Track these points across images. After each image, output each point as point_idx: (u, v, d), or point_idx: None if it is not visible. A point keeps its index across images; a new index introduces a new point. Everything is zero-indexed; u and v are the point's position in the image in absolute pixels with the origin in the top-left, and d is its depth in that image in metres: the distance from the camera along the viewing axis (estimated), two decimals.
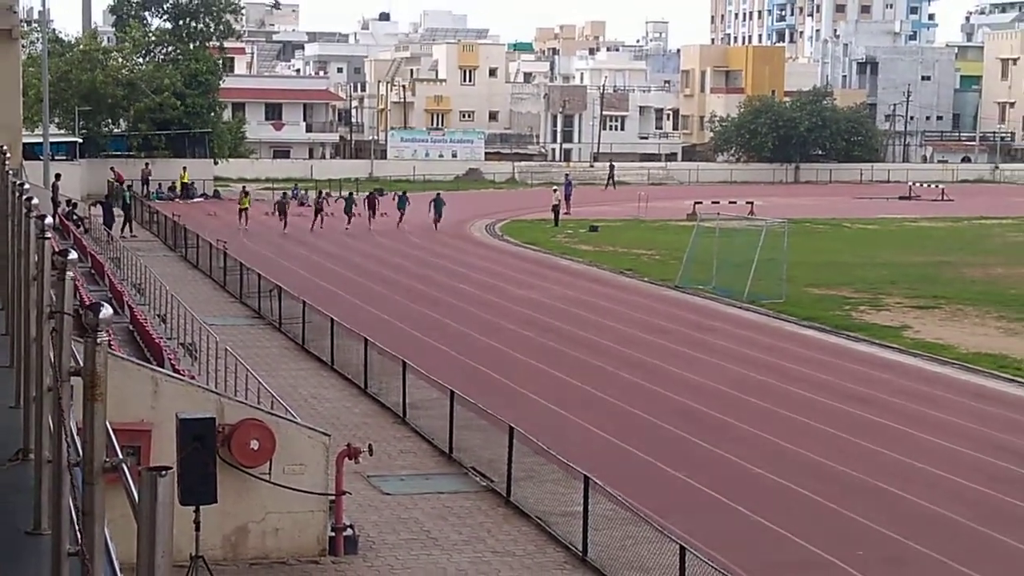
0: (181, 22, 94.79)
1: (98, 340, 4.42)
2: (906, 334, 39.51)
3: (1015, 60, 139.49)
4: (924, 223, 77.44)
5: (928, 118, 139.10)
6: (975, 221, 78.75)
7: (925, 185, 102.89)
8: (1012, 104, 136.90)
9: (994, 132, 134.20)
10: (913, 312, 43.25)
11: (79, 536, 4.56)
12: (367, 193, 72.97)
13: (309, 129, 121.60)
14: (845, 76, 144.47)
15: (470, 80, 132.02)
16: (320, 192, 73.72)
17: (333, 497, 19.74)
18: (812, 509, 22.25)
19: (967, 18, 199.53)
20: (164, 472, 3.27)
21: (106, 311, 4.33)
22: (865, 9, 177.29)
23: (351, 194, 72.03)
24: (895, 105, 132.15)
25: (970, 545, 20.61)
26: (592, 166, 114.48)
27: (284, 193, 76.08)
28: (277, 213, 69.29)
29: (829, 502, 22.49)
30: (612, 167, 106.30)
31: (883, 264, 55.45)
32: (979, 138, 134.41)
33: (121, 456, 4.12)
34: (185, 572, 16.41)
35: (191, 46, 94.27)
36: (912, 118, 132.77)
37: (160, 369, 23.49)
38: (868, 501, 22.58)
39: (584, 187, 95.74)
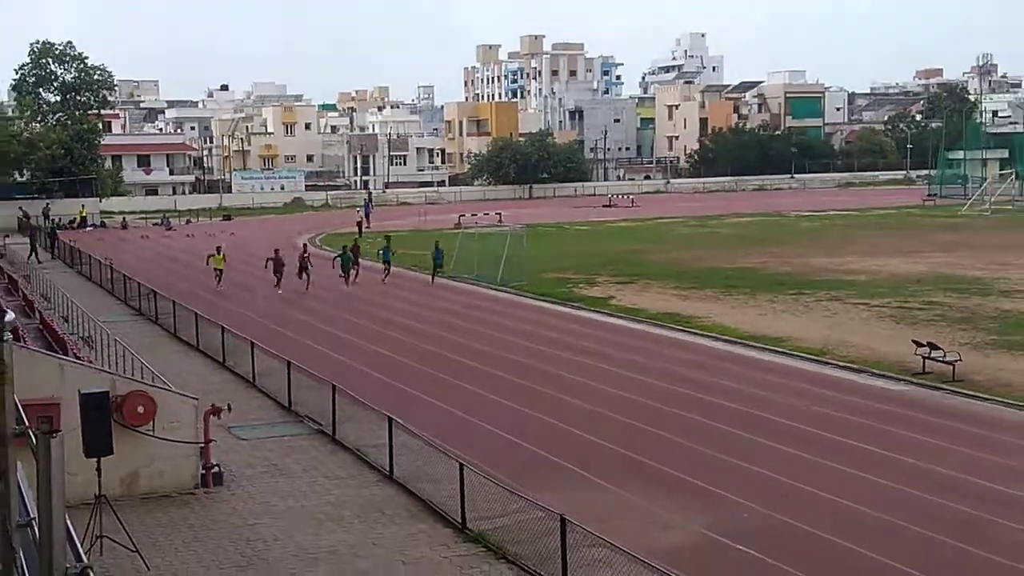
0: (68, 96, 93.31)
1: (3, 338, 4.24)
2: (612, 302, 40.40)
3: (677, 106, 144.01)
4: (621, 223, 79.08)
5: (620, 149, 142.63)
6: (655, 220, 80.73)
7: (620, 196, 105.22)
8: (677, 137, 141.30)
9: (665, 157, 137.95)
10: (616, 286, 44.20)
11: None
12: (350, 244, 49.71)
13: (171, 173, 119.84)
14: (561, 121, 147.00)
15: (291, 133, 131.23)
16: (304, 247, 47.82)
17: (202, 444, 19.49)
18: (547, 428, 22.57)
19: (643, 77, 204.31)
20: (55, 434, 3.12)
21: (9, 316, 4.16)
22: (573, 73, 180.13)
23: (346, 248, 47.87)
24: (597, 140, 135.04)
25: (645, 440, 21.16)
26: (384, 192, 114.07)
27: (276, 250, 47.19)
28: (272, 271, 44.79)
29: (563, 423, 22.89)
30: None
31: (594, 254, 56.47)
32: (655, 162, 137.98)
33: (28, 424, 3.93)
34: (91, 507, 15.94)
35: (76, 114, 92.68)
36: (608, 149, 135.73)
37: (65, 357, 22.86)
38: (585, 421, 23.03)
39: (378, 208, 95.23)
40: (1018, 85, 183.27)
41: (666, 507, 17.78)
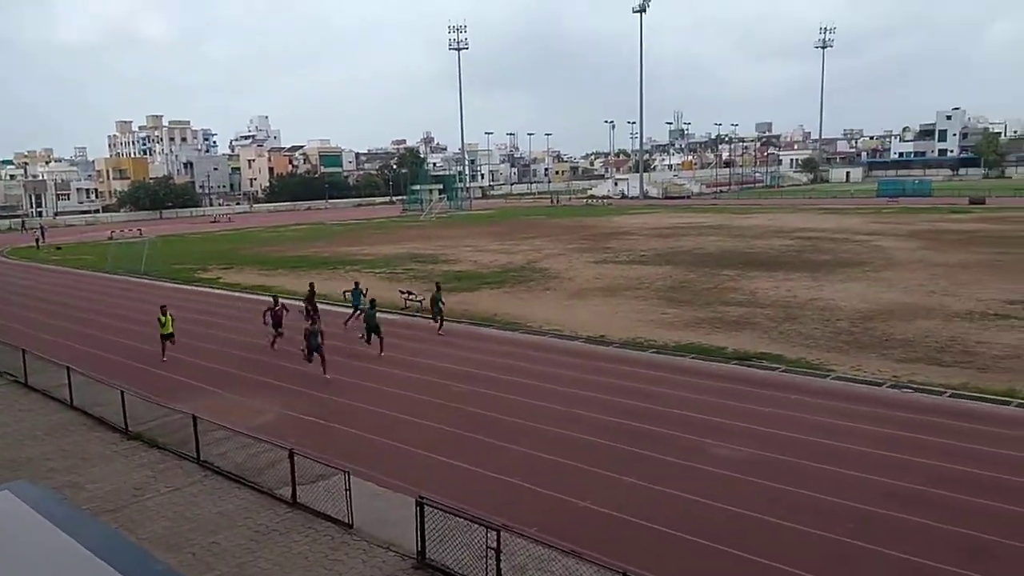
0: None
1: None
2: (220, 280, 37.56)
3: (253, 160, 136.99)
4: (222, 232, 73.28)
5: (219, 186, 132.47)
6: (244, 229, 75.87)
7: (221, 215, 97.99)
8: (255, 179, 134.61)
9: (249, 191, 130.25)
10: (221, 271, 41.03)
11: None
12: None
13: None
14: (179, 170, 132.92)
15: None
16: (275, 300, 21.88)
17: None
18: (182, 363, 20.76)
19: (231, 142, 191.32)
20: None
21: None
22: (184, 139, 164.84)
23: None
24: (203, 181, 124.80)
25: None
26: (54, 219, 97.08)
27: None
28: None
29: (194, 359, 21.11)
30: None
31: (205, 252, 52.03)
32: (243, 193, 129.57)
33: None
34: None
35: None
36: (212, 187, 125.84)
37: None
38: (211, 356, 21.44)
39: (52, 229, 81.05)
40: (445, 149, 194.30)
41: (261, 401, 17.12)
